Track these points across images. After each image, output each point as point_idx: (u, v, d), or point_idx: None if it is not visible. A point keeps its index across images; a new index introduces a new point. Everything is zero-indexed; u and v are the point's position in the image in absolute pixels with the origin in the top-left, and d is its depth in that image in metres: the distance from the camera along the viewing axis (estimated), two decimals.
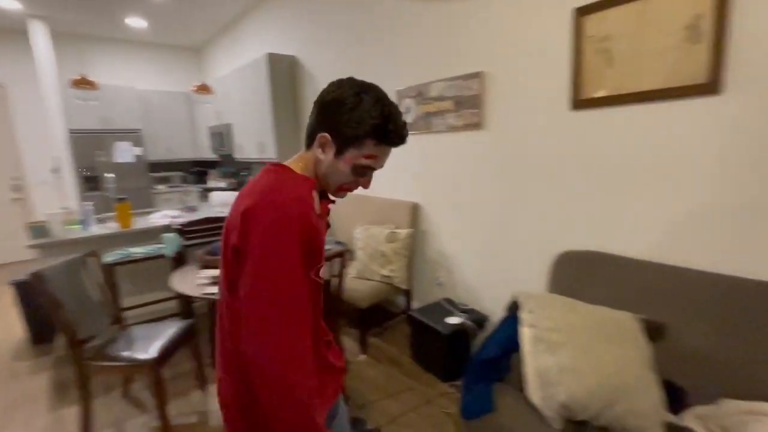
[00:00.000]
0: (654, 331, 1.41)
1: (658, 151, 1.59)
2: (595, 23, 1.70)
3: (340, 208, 3.21)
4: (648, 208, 1.65)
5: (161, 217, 2.85)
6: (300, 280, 0.73)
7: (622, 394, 1.19)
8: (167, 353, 1.85)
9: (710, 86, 1.43)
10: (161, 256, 2.51)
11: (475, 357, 1.51)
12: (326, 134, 0.81)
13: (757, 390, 1.23)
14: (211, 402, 2.11)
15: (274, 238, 0.71)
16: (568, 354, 1.26)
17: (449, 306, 2.37)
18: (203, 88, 4.06)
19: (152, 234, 2.71)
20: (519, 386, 1.36)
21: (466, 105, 2.29)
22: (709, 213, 1.49)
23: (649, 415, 1.19)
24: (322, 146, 0.82)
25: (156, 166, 5.49)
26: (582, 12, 1.73)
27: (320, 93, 0.83)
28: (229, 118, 4.53)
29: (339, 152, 0.81)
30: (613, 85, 1.68)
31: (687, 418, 1.27)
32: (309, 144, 0.85)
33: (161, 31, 5.09)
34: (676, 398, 1.35)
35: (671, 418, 1.24)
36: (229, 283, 0.78)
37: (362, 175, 0.84)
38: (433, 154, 2.59)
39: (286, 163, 0.85)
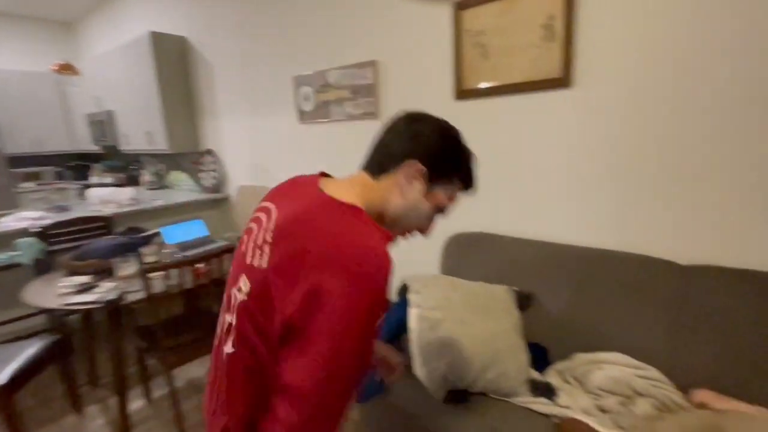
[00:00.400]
0: (524, 300, 1.58)
1: (529, 138, 1.76)
2: (471, 18, 1.81)
3: None
4: (523, 190, 1.82)
5: (17, 219, 2.42)
6: (362, 370, 0.60)
7: (494, 360, 1.31)
8: (22, 377, 1.59)
9: (563, 80, 1.61)
10: (17, 266, 2.14)
11: None
12: (420, 164, 0.68)
13: (601, 343, 1.43)
14: (88, 425, 1.87)
15: (360, 319, 0.55)
16: (447, 329, 1.34)
17: None
18: (66, 68, 3.50)
19: (4, 240, 2.29)
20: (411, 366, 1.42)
21: (362, 94, 2.30)
22: (569, 193, 1.69)
23: (516, 375, 1.32)
24: (413, 178, 0.69)
25: (20, 161, 4.66)
26: (460, 6, 1.82)
27: (406, 114, 0.72)
28: (109, 104, 4.00)
29: (429, 188, 0.70)
30: (489, 77, 1.81)
31: (548, 374, 1.45)
32: (382, 170, 0.70)
33: None
34: (541, 357, 1.52)
35: (535, 375, 1.40)
36: (258, 332, 0.59)
37: (432, 219, 0.75)
38: (333, 142, 2.57)
39: (330, 185, 0.68)
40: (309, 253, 0.56)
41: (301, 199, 0.66)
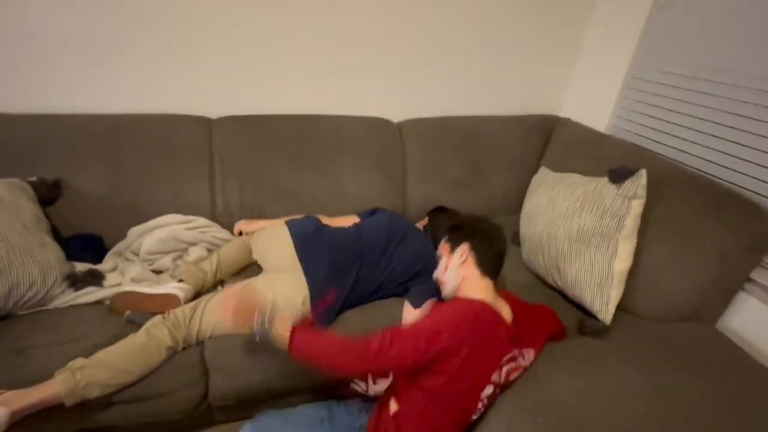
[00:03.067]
0: (48, 190, 1.28)
1: None
2: None
3: None
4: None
5: None
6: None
7: None
8: None
9: None
10: None
11: None
12: None
13: (154, 209, 1.39)
14: None
15: None
16: None
17: None
18: None
19: None
20: None
21: None
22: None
23: (44, 278, 1.09)
24: None
25: None
26: None
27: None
28: None
29: None
30: None
31: (107, 260, 1.32)
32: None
33: None
34: (96, 246, 1.36)
35: (79, 267, 1.23)
36: None
37: None
38: None
39: None
40: None
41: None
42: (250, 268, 1.38)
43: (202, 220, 1.43)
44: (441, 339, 0.82)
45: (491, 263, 0.99)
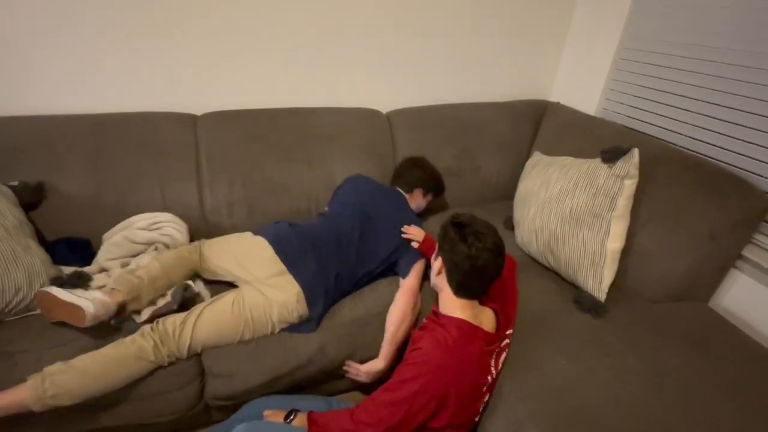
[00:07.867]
0: (35, 194, 1.25)
1: None
2: None
3: None
4: None
5: None
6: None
7: None
8: None
9: None
10: None
11: None
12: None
13: (138, 212, 1.36)
14: None
15: None
16: None
17: None
18: None
19: None
20: None
21: None
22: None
23: (29, 283, 1.07)
24: None
25: None
26: None
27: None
28: None
29: None
30: None
31: (94, 262, 1.29)
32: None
33: None
34: (83, 250, 1.34)
35: (69, 270, 1.20)
36: None
37: None
38: None
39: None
40: None
41: None
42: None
43: (166, 216, 1.35)
44: (420, 412, 0.81)
45: (463, 289, 0.90)
